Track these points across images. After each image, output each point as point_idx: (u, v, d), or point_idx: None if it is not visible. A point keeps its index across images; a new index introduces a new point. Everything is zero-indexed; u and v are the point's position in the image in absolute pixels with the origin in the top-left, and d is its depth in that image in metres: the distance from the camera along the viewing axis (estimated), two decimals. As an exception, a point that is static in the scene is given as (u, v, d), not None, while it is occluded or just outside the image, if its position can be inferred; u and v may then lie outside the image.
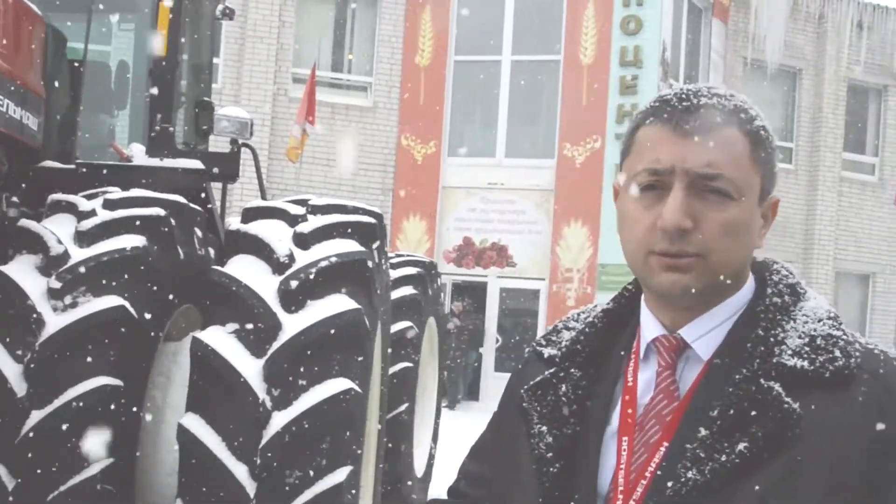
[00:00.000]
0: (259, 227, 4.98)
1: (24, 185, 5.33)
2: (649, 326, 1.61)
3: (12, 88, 4.94)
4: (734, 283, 1.57)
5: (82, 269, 4.45)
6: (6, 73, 4.87)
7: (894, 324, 23.74)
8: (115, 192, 5.02)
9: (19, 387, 4.29)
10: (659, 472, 1.49)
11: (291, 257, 4.77)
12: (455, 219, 20.17)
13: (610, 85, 19.28)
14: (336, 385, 4.47)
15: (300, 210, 5.19)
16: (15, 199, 5.28)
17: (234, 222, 5.39)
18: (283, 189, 18.16)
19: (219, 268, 4.82)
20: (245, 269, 4.75)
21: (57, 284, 4.39)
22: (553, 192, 19.66)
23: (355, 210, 5.31)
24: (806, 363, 1.46)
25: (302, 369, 4.46)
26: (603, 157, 19.05)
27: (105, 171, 5.64)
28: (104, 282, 4.46)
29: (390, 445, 6.76)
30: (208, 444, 4.35)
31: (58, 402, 4.22)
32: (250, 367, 4.44)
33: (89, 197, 4.99)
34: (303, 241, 4.91)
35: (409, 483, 7.61)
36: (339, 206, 5.31)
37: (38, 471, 4.20)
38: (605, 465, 1.58)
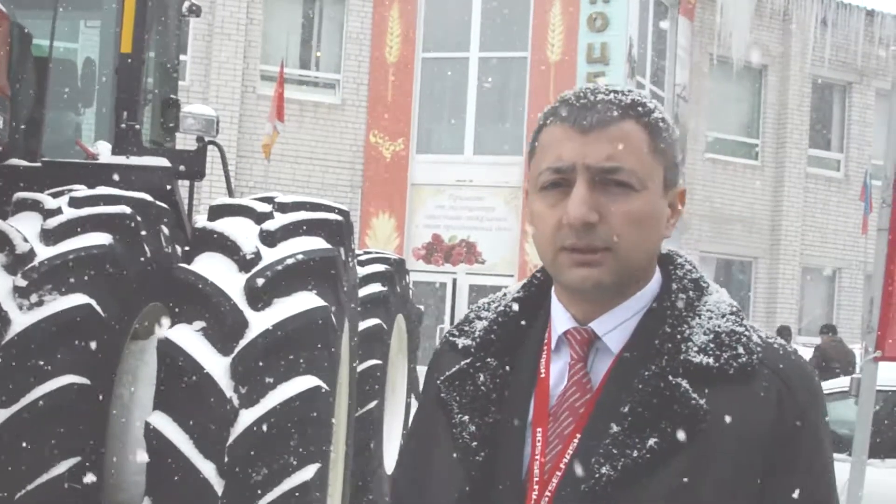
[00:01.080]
0: (225, 225, 4.98)
1: (-12, 184, 5.30)
2: (560, 319, 1.64)
3: (-24, 87, 4.91)
4: (644, 275, 1.62)
5: (48, 268, 4.43)
6: (-30, 71, 4.85)
7: (860, 319, 23.94)
8: (82, 190, 5.00)
9: (-15, 386, 4.28)
10: (572, 465, 1.53)
11: (258, 255, 4.77)
12: (424, 216, 20.17)
13: (577, 82, 19.30)
14: (303, 382, 4.48)
15: (267, 208, 5.20)
16: (-20, 197, 5.25)
17: (200, 220, 5.39)
18: (252, 187, 18.11)
19: (185, 265, 4.82)
20: (212, 267, 4.75)
21: (23, 283, 4.37)
22: (521, 188, 19.66)
23: (322, 207, 5.32)
24: (711, 360, 1.52)
25: (269, 367, 4.46)
26: (571, 154, 19.10)
27: (71, 169, 5.62)
28: (70, 280, 4.44)
29: (359, 443, 6.76)
30: (176, 443, 4.36)
31: (24, 401, 4.20)
32: (217, 365, 4.45)
33: (55, 195, 4.96)
34: (269, 239, 4.92)
35: (379, 480, 7.62)
36: (306, 204, 5.32)
37: (5, 469, 4.18)
38: (524, 455, 1.60)
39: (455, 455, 1.61)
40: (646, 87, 20.59)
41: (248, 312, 4.57)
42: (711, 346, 1.53)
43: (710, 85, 22.53)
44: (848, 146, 24.39)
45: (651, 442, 1.47)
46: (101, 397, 4.49)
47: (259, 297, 4.61)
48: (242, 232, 4.90)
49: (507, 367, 1.66)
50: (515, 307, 1.71)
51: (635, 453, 1.47)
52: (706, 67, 22.48)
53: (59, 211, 4.74)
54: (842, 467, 6.02)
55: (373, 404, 7.31)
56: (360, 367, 6.86)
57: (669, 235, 1.62)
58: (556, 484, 1.54)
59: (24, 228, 4.61)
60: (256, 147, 18.78)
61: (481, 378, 1.64)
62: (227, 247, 4.82)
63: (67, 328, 4.33)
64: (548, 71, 19.60)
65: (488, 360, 1.66)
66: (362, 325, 6.91)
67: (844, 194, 23.93)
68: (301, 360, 4.52)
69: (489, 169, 19.78)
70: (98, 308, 4.44)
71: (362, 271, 7.61)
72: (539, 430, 1.59)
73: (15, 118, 5.39)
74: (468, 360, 1.68)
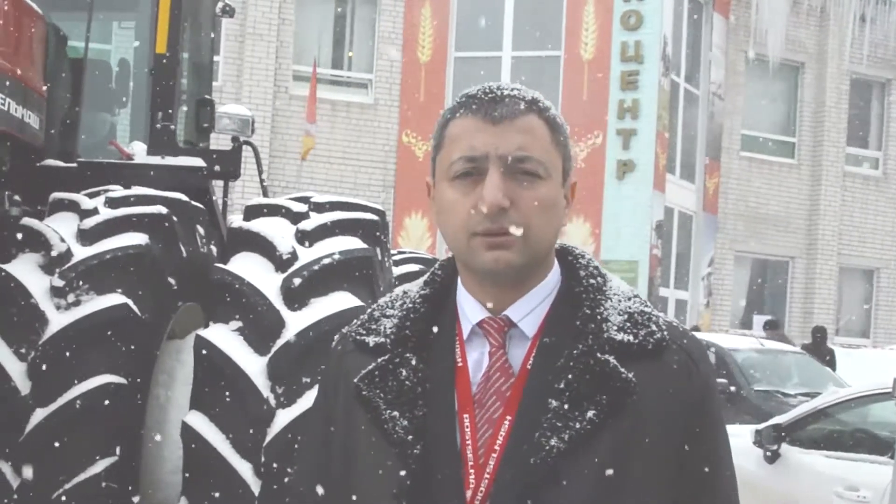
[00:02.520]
0: (261, 225, 4.97)
1: (25, 184, 5.32)
2: (472, 310, 1.71)
3: (14, 87, 4.93)
4: (546, 262, 1.72)
5: (85, 268, 4.45)
6: (7, 71, 4.87)
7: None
8: (117, 191, 5.02)
9: (23, 385, 4.30)
10: (510, 445, 1.61)
11: (294, 254, 4.76)
12: (456, 216, 20.13)
13: (611, 80, 19.24)
14: (340, 382, 4.46)
15: (302, 207, 5.19)
16: (17, 197, 5.27)
17: (236, 220, 5.39)
18: (285, 186, 18.15)
19: (221, 265, 4.82)
20: (248, 267, 4.74)
21: (60, 283, 4.39)
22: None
23: (357, 207, 5.30)
24: (631, 337, 1.65)
25: (306, 367, 4.45)
26: (604, 153, 19.01)
27: (107, 170, 5.64)
28: (107, 280, 4.46)
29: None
30: (212, 442, 4.36)
31: (61, 401, 4.22)
32: (254, 365, 4.44)
33: (91, 195, 4.99)
34: (305, 239, 4.90)
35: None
36: (342, 204, 5.30)
37: (43, 468, 4.19)
38: (457, 444, 1.65)
39: (393, 450, 1.63)
40: (680, 85, 20.49)
41: (285, 312, 4.56)
42: (628, 325, 1.66)
43: (745, 83, 22.36)
44: (886, 144, 24.13)
45: (590, 414, 1.58)
46: (137, 397, 4.50)
47: (295, 297, 4.60)
48: (279, 232, 4.89)
49: (426, 362, 1.70)
50: (425, 303, 1.76)
51: (577, 425, 1.57)
52: (741, 65, 22.32)
53: (95, 211, 4.76)
54: (884, 470, 5.95)
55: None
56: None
57: (566, 224, 1.74)
58: (495, 466, 1.60)
59: (61, 228, 4.62)
60: (289, 147, 18.83)
61: (403, 373, 1.68)
62: (263, 247, 4.82)
63: (104, 328, 4.35)
64: (581, 69, 19.53)
65: (407, 355, 1.70)
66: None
67: (883, 193, 23.70)
68: (337, 360, 4.49)
69: (522, 168, 19.72)
70: (135, 308, 4.45)
71: (397, 271, 7.58)
72: (466, 416, 1.65)
73: (50, 119, 5.42)
74: (385, 357, 1.71)
